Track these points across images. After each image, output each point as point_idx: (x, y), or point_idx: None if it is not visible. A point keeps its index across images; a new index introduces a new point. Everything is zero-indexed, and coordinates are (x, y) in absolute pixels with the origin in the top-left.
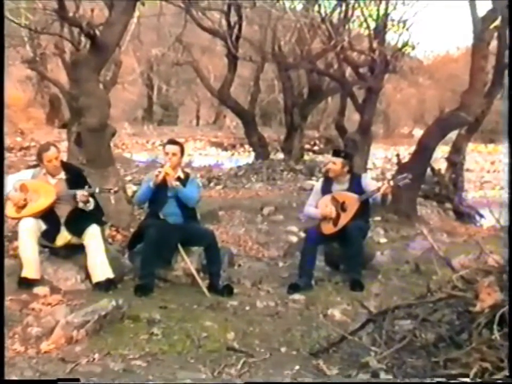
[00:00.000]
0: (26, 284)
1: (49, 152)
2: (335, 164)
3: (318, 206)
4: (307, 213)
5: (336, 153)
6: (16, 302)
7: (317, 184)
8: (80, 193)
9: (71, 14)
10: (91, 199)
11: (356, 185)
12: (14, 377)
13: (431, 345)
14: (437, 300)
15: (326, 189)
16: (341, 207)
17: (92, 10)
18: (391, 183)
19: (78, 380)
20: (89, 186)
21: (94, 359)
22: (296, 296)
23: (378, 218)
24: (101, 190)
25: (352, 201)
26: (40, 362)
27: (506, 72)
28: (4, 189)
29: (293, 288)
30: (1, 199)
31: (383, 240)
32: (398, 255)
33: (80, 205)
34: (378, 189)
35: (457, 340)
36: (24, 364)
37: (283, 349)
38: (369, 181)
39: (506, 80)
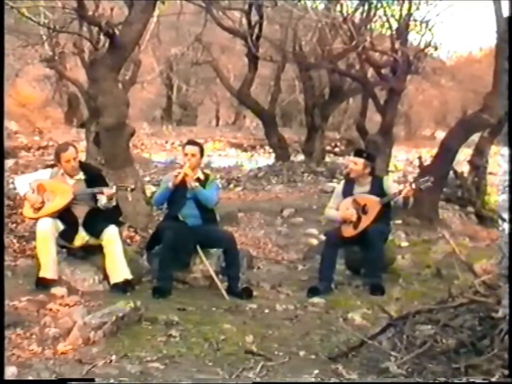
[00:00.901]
0: (43, 284)
1: (67, 153)
2: (356, 164)
3: (339, 208)
4: (327, 215)
5: (358, 153)
6: (33, 303)
7: (338, 186)
8: (106, 190)
9: (90, 13)
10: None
11: (377, 188)
12: (30, 378)
13: (452, 351)
14: (459, 305)
15: (347, 191)
16: (362, 209)
17: (111, 9)
18: (413, 186)
19: (71, 380)
20: (107, 186)
21: (111, 360)
22: (316, 299)
23: (399, 221)
24: (118, 187)
25: (374, 204)
26: (56, 364)
27: None
28: (4, 189)
29: (313, 292)
30: (1, 199)
31: (404, 243)
32: (419, 259)
33: (103, 201)
34: (400, 192)
35: (479, 346)
36: (40, 365)
37: (302, 353)
38: (391, 184)
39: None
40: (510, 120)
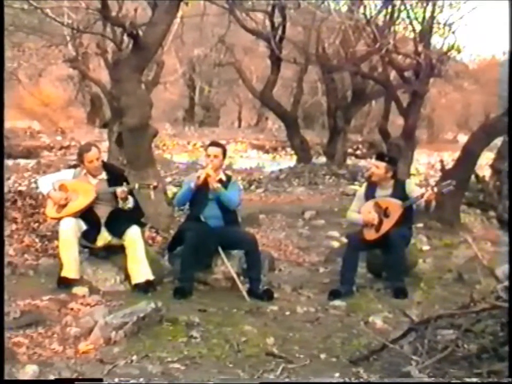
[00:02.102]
0: (65, 283)
1: (90, 153)
2: (378, 168)
3: (361, 211)
4: (349, 218)
5: (379, 157)
6: (55, 302)
7: (360, 189)
8: (120, 190)
9: (114, 14)
10: (130, 197)
11: (399, 191)
12: (51, 377)
13: (473, 356)
14: (480, 310)
15: (369, 194)
16: (384, 213)
17: (135, 10)
18: (435, 189)
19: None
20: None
21: (132, 361)
22: (337, 302)
23: (421, 225)
24: (140, 185)
25: (396, 207)
26: (78, 363)
27: None
28: (4, 188)
29: (334, 295)
30: (2, 199)
31: (425, 247)
32: (441, 263)
33: (120, 203)
34: (422, 196)
35: (501, 351)
36: (61, 364)
37: (323, 356)
38: (413, 187)
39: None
40: (510, 121)
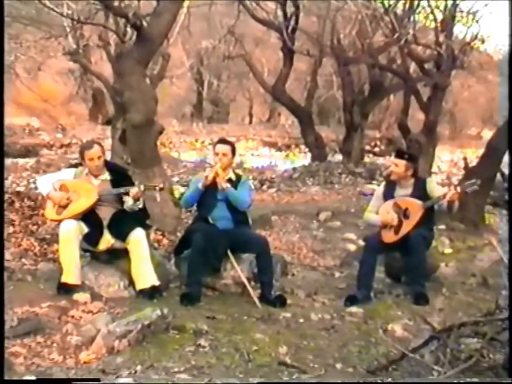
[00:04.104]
0: (66, 289)
1: (91, 151)
2: (397, 166)
3: (379, 212)
4: (367, 219)
5: (399, 154)
6: (54, 309)
7: (379, 188)
8: (135, 190)
9: (116, 3)
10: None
11: (420, 190)
12: None
13: (499, 367)
14: (507, 318)
15: (388, 194)
16: (404, 214)
17: (139, 0)
18: (458, 189)
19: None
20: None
21: (136, 371)
22: (354, 309)
23: (443, 226)
24: (146, 187)
25: (416, 208)
26: (78, 373)
27: None
28: (4, 188)
29: (350, 301)
30: (2, 199)
31: (448, 250)
32: (464, 267)
33: (129, 203)
34: (445, 196)
35: None
36: (61, 375)
37: (338, 366)
38: (434, 186)
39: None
40: (510, 123)
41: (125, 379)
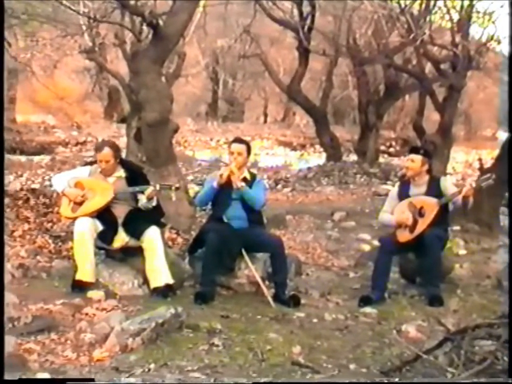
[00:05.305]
0: (80, 287)
1: (101, 153)
2: (413, 161)
3: (394, 212)
4: (381, 220)
5: (414, 150)
6: (68, 306)
7: (393, 189)
8: (150, 190)
9: (132, 2)
10: (155, 196)
11: (434, 189)
12: None
13: None
14: None
15: (403, 194)
16: (419, 212)
17: None
18: (473, 184)
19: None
20: (148, 184)
21: (149, 369)
22: (368, 309)
23: (457, 228)
24: (161, 186)
25: (431, 205)
26: (92, 371)
27: None
28: (4, 188)
29: (365, 301)
30: (2, 198)
31: (462, 252)
32: (479, 269)
33: (143, 201)
34: (460, 192)
35: None
36: (75, 372)
37: (352, 366)
38: (448, 184)
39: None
40: (510, 125)
41: (129, 379)
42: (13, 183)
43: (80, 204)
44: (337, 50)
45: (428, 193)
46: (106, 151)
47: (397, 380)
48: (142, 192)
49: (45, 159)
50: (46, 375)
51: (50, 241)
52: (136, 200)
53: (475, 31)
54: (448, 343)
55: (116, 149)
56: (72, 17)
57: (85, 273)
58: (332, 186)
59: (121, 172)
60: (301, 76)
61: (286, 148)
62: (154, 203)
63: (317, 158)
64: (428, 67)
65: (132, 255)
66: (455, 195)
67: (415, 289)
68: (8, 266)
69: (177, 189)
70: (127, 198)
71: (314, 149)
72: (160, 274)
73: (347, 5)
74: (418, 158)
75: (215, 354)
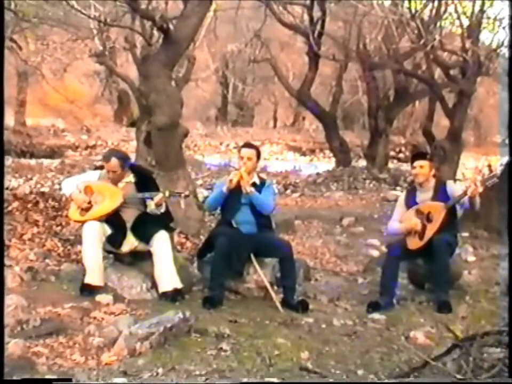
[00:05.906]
0: (88, 291)
1: (108, 163)
2: (422, 167)
3: (402, 221)
4: (391, 229)
5: (420, 155)
6: (77, 310)
7: (401, 196)
8: (159, 198)
9: (143, 6)
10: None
11: (441, 193)
12: None
13: None
14: None
15: (409, 201)
16: (427, 218)
17: (166, 2)
18: (478, 183)
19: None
20: (158, 190)
21: (157, 373)
22: (376, 315)
23: (466, 234)
24: (171, 193)
25: (438, 209)
26: (100, 375)
27: None
28: (4, 188)
29: (373, 307)
30: (2, 198)
31: (471, 258)
32: (488, 275)
33: (152, 207)
34: (465, 193)
35: None
36: (83, 376)
37: (360, 372)
38: (455, 187)
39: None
40: (510, 122)
41: (121, 379)
42: (22, 186)
43: (86, 210)
44: (347, 55)
45: (435, 197)
46: (113, 162)
47: None
48: (151, 198)
49: (54, 162)
50: (52, 377)
51: (59, 244)
52: (145, 205)
53: (485, 37)
54: (456, 350)
55: (123, 159)
56: (83, 21)
57: (94, 276)
58: (341, 192)
59: (130, 177)
60: (310, 80)
61: (295, 153)
62: (163, 209)
63: (326, 163)
64: (438, 72)
65: (141, 259)
66: (461, 196)
67: (424, 295)
68: (17, 269)
69: (186, 196)
70: (136, 202)
71: (324, 154)
72: (168, 279)
73: (357, 10)
74: (426, 163)
75: (223, 358)
